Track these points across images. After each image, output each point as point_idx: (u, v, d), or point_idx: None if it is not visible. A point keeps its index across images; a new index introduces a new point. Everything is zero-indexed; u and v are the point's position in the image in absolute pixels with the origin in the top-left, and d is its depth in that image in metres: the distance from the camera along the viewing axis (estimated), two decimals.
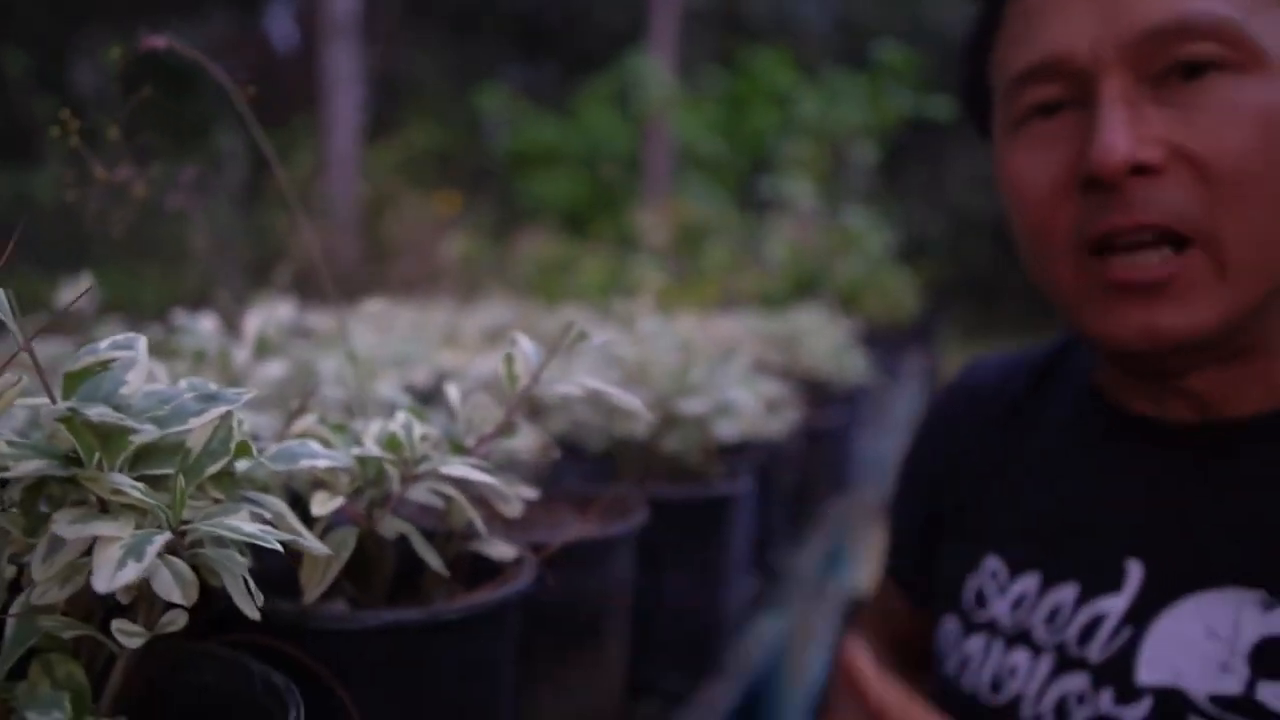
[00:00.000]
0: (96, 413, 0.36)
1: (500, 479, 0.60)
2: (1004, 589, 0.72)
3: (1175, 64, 0.58)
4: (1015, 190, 0.66)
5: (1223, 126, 0.57)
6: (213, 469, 0.43)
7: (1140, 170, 0.58)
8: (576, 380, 0.58)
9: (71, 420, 0.37)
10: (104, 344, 0.43)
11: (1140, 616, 0.62)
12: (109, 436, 0.39)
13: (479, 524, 0.59)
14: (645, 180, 6.00)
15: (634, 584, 0.83)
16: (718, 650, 1.06)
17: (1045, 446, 0.76)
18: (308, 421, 0.58)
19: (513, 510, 0.61)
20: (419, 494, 0.54)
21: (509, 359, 0.57)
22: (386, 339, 1.83)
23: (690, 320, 2.06)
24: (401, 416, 0.54)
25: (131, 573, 0.36)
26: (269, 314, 1.06)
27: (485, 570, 0.62)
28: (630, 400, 0.57)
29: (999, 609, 0.71)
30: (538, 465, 0.79)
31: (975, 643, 0.72)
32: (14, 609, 0.40)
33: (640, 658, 0.88)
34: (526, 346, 0.60)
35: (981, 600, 0.73)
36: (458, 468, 0.52)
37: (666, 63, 6.72)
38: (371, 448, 0.52)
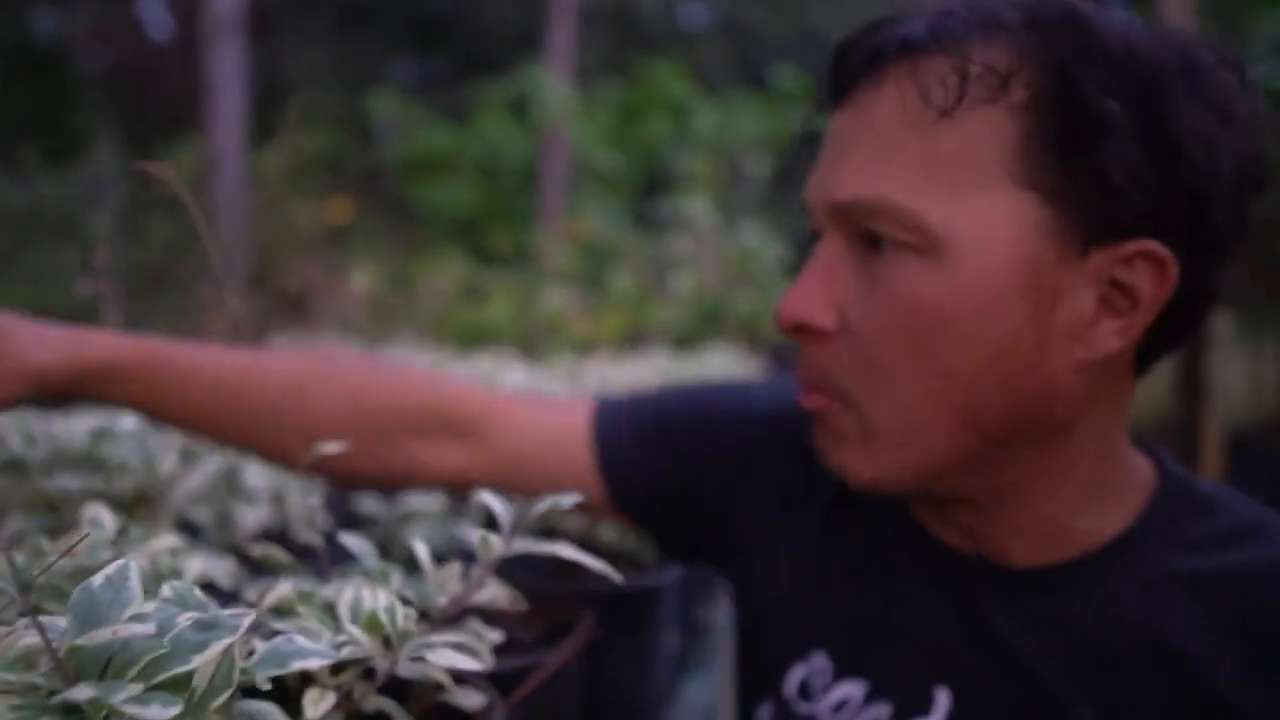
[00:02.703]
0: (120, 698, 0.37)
1: (471, 636, 0.62)
2: (827, 689, 0.73)
3: (866, 233, 0.62)
4: None
5: (884, 311, 0.61)
6: (216, 704, 0.44)
7: (807, 330, 0.64)
8: (547, 546, 0.61)
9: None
10: (99, 581, 0.44)
11: None
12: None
13: (449, 682, 0.60)
14: (542, 192, 6.00)
15: (580, 672, 0.86)
16: (652, 713, 1.10)
17: (866, 552, 0.76)
18: (284, 589, 0.59)
19: (484, 664, 0.62)
20: (401, 669, 0.56)
21: (484, 538, 0.59)
22: None
23: (603, 361, 2.10)
24: (384, 598, 0.55)
25: None
26: None
27: (454, 714, 0.64)
28: (597, 563, 0.60)
29: (820, 708, 0.73)
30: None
31: None
32: None
33: None
34: (501, 513, 0.62)
35: (806, 694, 0.75)
36: (444, 654, 0.54)
37: (564, 66, 6.70)
38: (358, 635, 0.54)
